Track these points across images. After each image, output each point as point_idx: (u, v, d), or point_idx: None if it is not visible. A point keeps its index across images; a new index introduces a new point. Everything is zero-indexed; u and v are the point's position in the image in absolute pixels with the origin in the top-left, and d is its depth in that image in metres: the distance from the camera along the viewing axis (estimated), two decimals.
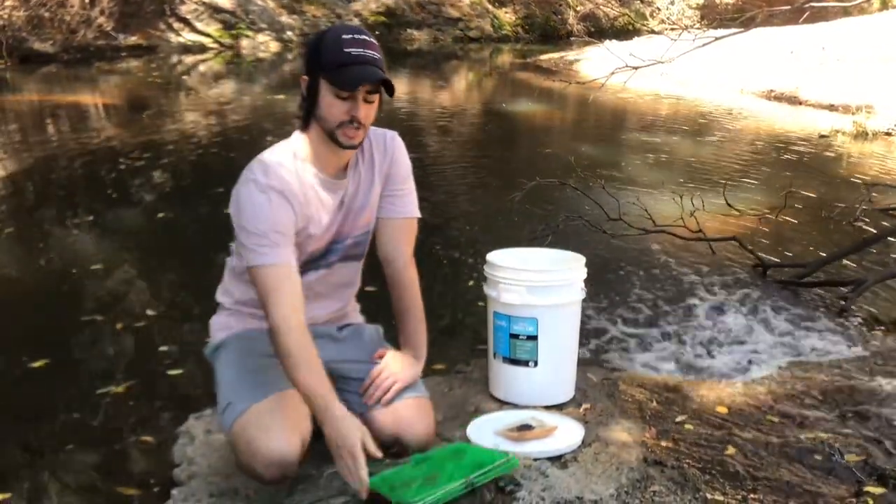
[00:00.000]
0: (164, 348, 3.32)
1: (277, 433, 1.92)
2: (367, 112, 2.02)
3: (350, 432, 1.87)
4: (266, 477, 1.94)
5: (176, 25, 14.92)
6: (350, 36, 2.00)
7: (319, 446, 1.97)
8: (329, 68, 1.98)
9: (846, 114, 8.84)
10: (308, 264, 2.15)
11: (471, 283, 3.99)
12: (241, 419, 1.96)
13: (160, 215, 5.07)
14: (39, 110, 9.31)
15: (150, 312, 3.69)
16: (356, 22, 15.98)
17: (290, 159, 2.08)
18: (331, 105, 2.00)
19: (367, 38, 2.01)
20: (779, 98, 10.60)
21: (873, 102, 8.81)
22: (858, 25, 12.84)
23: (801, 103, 10.16)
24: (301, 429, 1.97)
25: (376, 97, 2.03)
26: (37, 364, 3.15)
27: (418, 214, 2.28)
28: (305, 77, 2.05)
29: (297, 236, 2.06)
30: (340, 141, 2.02)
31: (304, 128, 2.09)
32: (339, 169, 2.12)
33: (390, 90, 2.02)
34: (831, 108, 9.58)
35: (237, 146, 7.20)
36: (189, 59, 13.97)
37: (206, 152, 6.88)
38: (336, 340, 2.24)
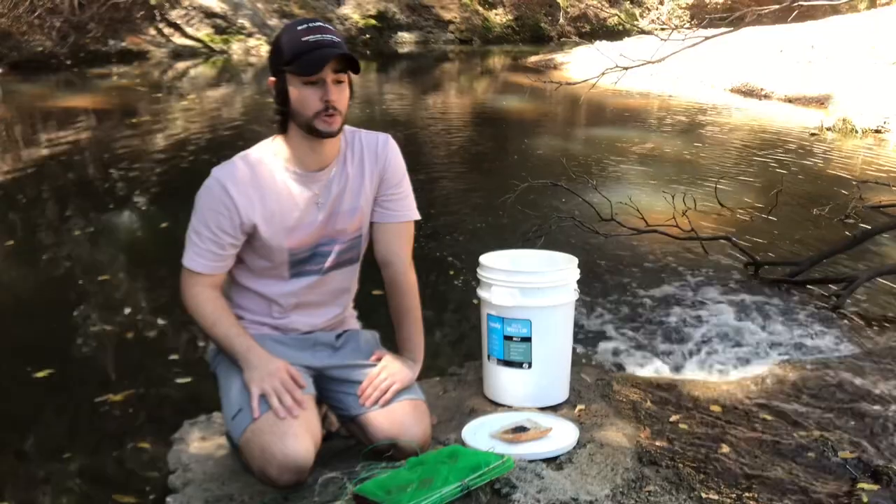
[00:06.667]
0: (161, 356, 3.31)
1: (292, 438, 1.92)
2: (338, 95, 2.02)
3: (275, 362, 2.04)
4: (280, 482, 1.94)
5: (167, 31, 14.86)
6: (304, 26, 2.02)
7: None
8: (291, 61, 2.00)
9: (835, 111, 8.87)
10: (296, 266, 2.15)
11: (464, 285, 3.99)
12: (254, 425, 1.96)
13: (163, 225, 5.04)
14: (30, 117, 9.28)
15: (151, 321, 3.67)
16: (346, 26, 15.97)
17: (261, 154, 2.12)
18: (302, 97, 2.01)
19: (322, 24, 2.04)
20: (768, 96, 10.63)
21: (860, 99, 8.84)
22: (848, 23, 12.90)
23: (790, 101, 10.20)
24: (313, 433, 1.97)
25: (345, 78, 2.04)
26: (40, 374, 3.14)
27: (416, 217, 2.27)
28: (273, 79, 2.06)
29: (268, 229, 2.07)
30: (320, 130, 2.03)
31: (283, 131, 2.11)
32: (319, 167, 2.13)
33: (355, 67, 2.02)
34: (820, 104, 9.62)
35: (232, 151, 7.15)
36: (181, 65, 13.92)
37: (197, 159, 6.84)
38: (334, 348, 2.24)
